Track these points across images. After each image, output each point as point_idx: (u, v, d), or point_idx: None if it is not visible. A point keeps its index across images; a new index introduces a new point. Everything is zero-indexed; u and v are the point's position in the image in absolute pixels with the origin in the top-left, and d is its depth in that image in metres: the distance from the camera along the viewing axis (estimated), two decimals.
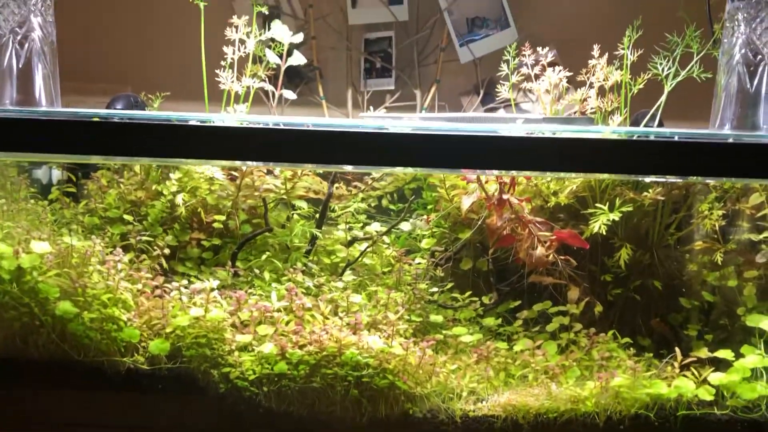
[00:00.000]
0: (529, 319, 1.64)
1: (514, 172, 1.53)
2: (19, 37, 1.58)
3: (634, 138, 1.38)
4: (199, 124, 1.38)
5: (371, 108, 2.18)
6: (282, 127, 1.37)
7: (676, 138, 1.35)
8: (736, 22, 1.57)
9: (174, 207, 1.60)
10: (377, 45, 2.26)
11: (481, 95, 2.25)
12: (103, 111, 1.72)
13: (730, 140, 1.40)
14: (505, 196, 1.51)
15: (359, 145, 1.35)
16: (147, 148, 1.37)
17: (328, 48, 2.25)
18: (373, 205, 1.79)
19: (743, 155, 1.35)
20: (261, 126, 1.38)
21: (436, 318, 1.61)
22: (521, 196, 1.57)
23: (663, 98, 1.78)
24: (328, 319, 1.51)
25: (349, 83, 2.28)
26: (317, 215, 1.68)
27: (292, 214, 1.66)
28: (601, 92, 1.79)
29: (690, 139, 1.34)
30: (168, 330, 1.47)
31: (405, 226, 1.77)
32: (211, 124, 1.39)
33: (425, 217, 1.74)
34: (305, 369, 1.45)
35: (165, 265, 1.57)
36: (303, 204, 1.65)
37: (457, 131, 1.35)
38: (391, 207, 1.81)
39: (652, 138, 1.40)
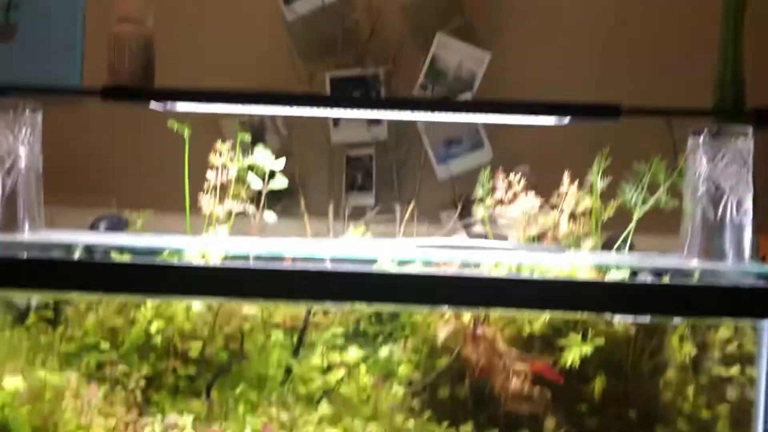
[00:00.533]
0: None
1: (490, 310, 1.55)
2: (6, 166, 1.62)
3: (609, 282, 1.43)
4: (178, 264, 1.42)
5: (351, 225, 2.22)
6: (261, 267, 1.40)
7: (647, 280, 1.40)
8: (698, 157, 1.65)
9: (150, 335, 1.61)
10: (358, 162, 2.33)
11: (458, 210, 2.30)
12: (86, 238, 1.74)
13: (699, 283, 1.45)
14: (479, 329, 1.54)
15: (340, 285, 1.39)
16: (127, 286, 1.40)
17: (310, 164, 2.32)
18: (351, 329, 1.80)
19: (711, 296, 1.39)
20: (241, 267, 1.41)
21: None
22: (495, 326, 1.59)
23: (632, 225, 1.84)
24: None
25: (331, 197, 2.34)
26: (294, 343, 1.68)
27: (269, 342, 1.67)
28: (573, 217, 1.85)
29: (658, 283, 1.39)
30: None
31: (382, 352, 1.78)
32: (192, 265, 1.42)
33: (402, 343, 1.75)
34: None
35: (139, 397, 1.56)
36: (279, 332, 1.66)
37: (436, 273, 1.40)
38: (369, 331, 1.82)
39: (624, 281, 1.44)
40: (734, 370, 1.52)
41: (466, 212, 2.32)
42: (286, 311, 1.66)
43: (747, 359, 1.50)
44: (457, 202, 2.31)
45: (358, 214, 2.32)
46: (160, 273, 1.41)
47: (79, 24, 2.27)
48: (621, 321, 1.59)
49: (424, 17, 2.21)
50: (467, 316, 1.60)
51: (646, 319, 1.56)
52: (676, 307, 1.39)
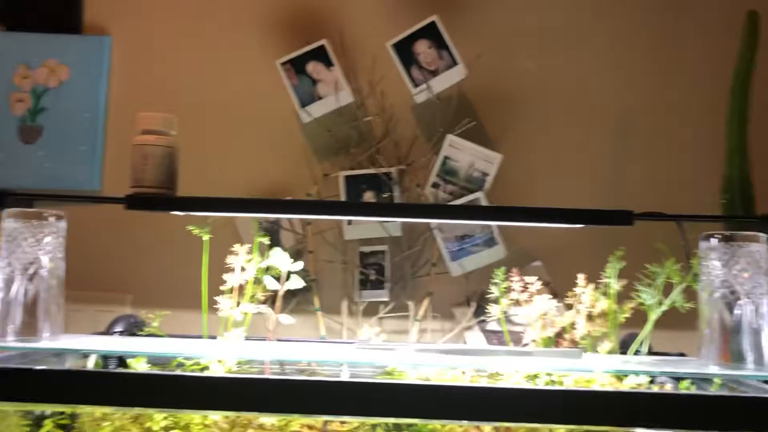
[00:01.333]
0: None
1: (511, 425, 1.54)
2: (29, 273, 1.65)
3: (628, 391, 1.42)
4: (191, 374, 1.42)
5: (365, 322, 2.23)
6: (278, 378, 1.40)
7: (668, 390, 1.39)
8: (712, 262, 1.66)
9: None
10: (372, 258, 2.35)
11: (473, 308, 2.31)
12: (102, 344, 1.76)
13: (721, 393, 1.44)
14: None
15: (357, 398, 1.38)
16: (141, 399, 1.39)
17: (324, 261, 2.34)
18: None
19: (732, 408, 1.38)
20: (258, 377, 1.41)
21: None
22: None
23: (649, 327, 1.84)
24: None
25: (345, 294, 2.35)
26: None
27: None
28: (589, 317, 1.85)
29: (677, 393, 1.38)
30: None
31: None
32: (207, 375, 1.42)
33: None
34: None
35: None
36: None
37: (453, 385, 1.39)
38: None
39: (645, 391, 1.43)
40: None
41: (480, 310, 2.33)
42: (303, 420, 1.65)
43: None
44: (470, 300, 2.32)
45: (371, 310, 2.32)
46: (175, 385, 1.41)
47: (101, 130, 2.36)
48: None
49: (435, 119, 2.28)
50: (487, 428, 1.58)
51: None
52: (699, 418, 1.38)
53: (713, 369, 1.59)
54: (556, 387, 1.43)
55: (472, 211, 1.93)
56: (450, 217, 1.75)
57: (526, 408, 1.38)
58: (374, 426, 1.80)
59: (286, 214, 1.81)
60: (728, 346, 1.64)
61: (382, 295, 2.34)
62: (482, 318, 2.24)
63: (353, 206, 1.92)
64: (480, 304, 2.28)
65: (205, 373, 1.50)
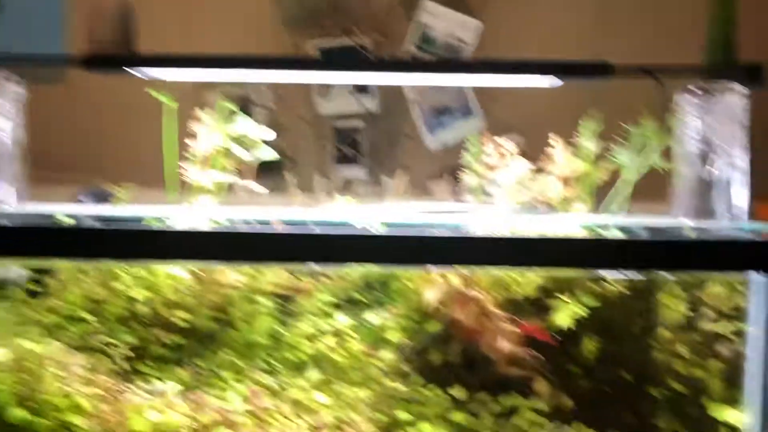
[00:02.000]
0: (500, 414, 1.62)
1: (477, 268, 1.53)
2: None
3: (596, 237, 1.40)
4: (164, 228, 1.39)
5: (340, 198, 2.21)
6: (249, 230, 1.38)
7: (640, 235, 1.38)
8: (687, 113, 1.62)
9: (134, 305, 1.59)
10: (346, 134, 2.30)
11: (449, 181, 2.28)
12: (70, 209, 1.72)
13: (689, 236, 1.42)
14: (468, 291, 1.52)
15: (325, 246, 1.37)
16: (114, 252, 1.37)
17: (297, 137, 2.29)
18: (341, 296, 1.78)
19: (700, 250, 1.37)
20: (226, 230, 1.39)
21: (404, 415, 1.57)
22: (485, 289, 1.57)
23: (626, 188, 1.81)
24: (291, 421, 1.48)
25: (319, 172, 2.32)
26: (282, 311, 1.66)
27: (257, 309, 1.65)
28: (565, 182, 1.82)
29: (652, 238, 1.37)
30: None
31: (372, 319, 1.76)
32: (176, 229, 1.40)
33: (391, 308, 1.73)
34: None
35: (124, 366, 1.54)
36: (267, 300, 1.64)
37: (423, 232, 1.37)
38: (360, 298, 1.80)
39: (614, 236, 1.42)
40: (726, 326, 1.50)
41: (456, 184, 2.30)
42: (273, 278, 1.64)
43: (739, 315, 1.48)
44: (447, 174, 2.29)
45: (347, 187, 2.30)
46: (147, 237, 1.38)
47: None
48: (612, 280, 1.57)
49: None
50: (456, 279, 1.57)
51: (636, 275, 1.54)
52: (666, 262, 1.37)
53: (685, 222, 1.58)
54: (524, 234, 1.41)
55: (447, 66, 1.86)
56: (426, 72, 1.69)
57: (498, 253, 1.37)
58: (347, 288, 1.80)
59: (257, 69, 1.73)
60: (701, 202, 1.62)
61: (358, 172, 2.31)
62: (458, 191, 2.22)
63: (329, 63, 1.85)
64: (456, 178, 2.26)
65: (177, 227, 1.47)
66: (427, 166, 2.29)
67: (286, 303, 1.65)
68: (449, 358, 1.70)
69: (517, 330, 1.53)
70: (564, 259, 1.38)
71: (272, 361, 1.60)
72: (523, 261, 1.38)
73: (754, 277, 1.41)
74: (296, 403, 1.51)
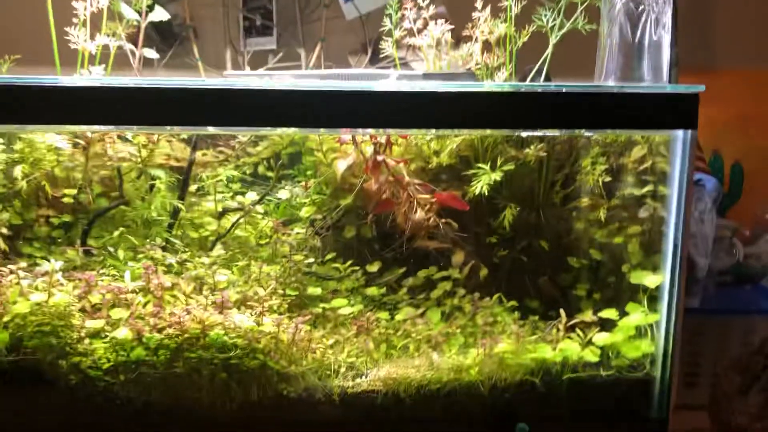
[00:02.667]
0: (415, 286, 1.56)
1: (391, 131, 1.42)
2: None
3: (513, 90, 1.30)
4: (43, 84, 1.22)
5: (248, 69, 2.03)
6: (137, 85, 1.22)
7: (561, 90, 1.28)
8: None
9: (13, 181, 1.42)
10: (257, 1, 2.10)
11: (369, 54, 2.13)
12: None
13: (614, 90, 1.34)
14: (380, 158, 1.41)
15: (221, 104, 1.23)
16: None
17: (203, 5, 2.08)
18: (248, 172, 1.65)
19: (628, 105, 1.29)
20: (112, 85, 1.23)
21: (314, 290, 1.50)
22: (400, 157, 1.47)
23: (549, 50, 1.71)
24: (191, 298, 1.38)
25: (228, 43, 2.12)
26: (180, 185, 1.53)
27: (152, 184, 1.51)
28: (487, 47, 1.71)
29: (573, 91, 1.27)
30: (6, 319, 1.30)
31: (283, 195, 1.65)
32: (57, 85, 1.23)
33: (304, 183, 1.62)
34: (166, 354, 1.32)
35: (6, 246, 1.40)
36: (162, 173, 1.50)
37: (328, 88, 1.24)
38: (269, 174, 1.68)
39: (531, 90, 1.31)
40: (647, 189, 1.45)
41: (377, 58, 2.16)
42: (170, 151, 1.49)
43: (661, 179, 1.44)
44: (367, 46, 2.14)
45: (259, 61, 2.12)
46: (34, 95, 1.22)
47: None
48: (534, 147, 1.49)
49: None
50: (368, 149, 1.47)
51: (555, 133, 1.46)
52: (588, 119, 1.29)
53: (609, 83, 1.50)
54: (437, 89, 1.30)
55: None
56: None
57: (408, 112, 1.26)
58: (255, 163, 1.67)
59: None
60: (627, 63, 1.53)
61: (270, 43, 2.14)
62: (380, 65, 2.08)
63: None
64: (377, 50, 2.11)
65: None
66: (347, 39, 2.13)
67: (187, 178, 1.51)
68: (363, 232, 1.62)
69: (433, 199, 1.45)
70: (483, 118, 1.29)
71: (173, 240, 1.48)
72: (436, 120, 1.28)
73: (676, 135, 1.35)
74: (198, 281, 1.41)
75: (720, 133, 2.41)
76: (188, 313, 1.32)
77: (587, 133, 1.45)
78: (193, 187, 1.60)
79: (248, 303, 1.39)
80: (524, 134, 1.46)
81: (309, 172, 1.65)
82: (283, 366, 1.35)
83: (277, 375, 1.35)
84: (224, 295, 1.36)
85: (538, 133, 1.43)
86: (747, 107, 2.41)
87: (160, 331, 1.32)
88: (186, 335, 1.31)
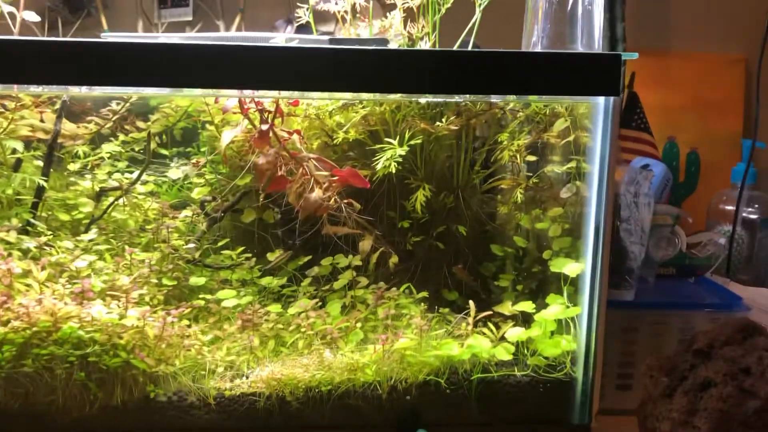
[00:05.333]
0: (321, 277, 1.40)
1: (285, 94, 1.26)
2: None
3: (432, 52, 1.14)
4: None
5: None
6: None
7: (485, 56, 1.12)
8: None
9: None
10: None
11: (294, 27, 1.97)
12: None
13: (533, 53, 1.18)
14: (265, 127, 1.24)
15: (85, 61, 1.07)
16: None
17: None
18: (138, 149, 1.48)
19: (547, 68, 1.13)
20: None
21: (197, 280, 1.33)
22: (292, 129, 1.31)
23: (476, 17, 1.55)
24: (46, 287, 1.20)
25: (140, 14, 1.95)
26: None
27: (18, 159, 1.34)
28: (407, 14, 1.55)
29: (487, 52, 1.12)
30: None
31: (174, 174, 1.48)
32: None
33: (195, 161, 1.45)
34: (11, 350, 1.15)
35: None
36: (20, 146, 1.32)
37: (206, 42, 1.08)
38: (163, 152, 1.51)
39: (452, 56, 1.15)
40: (568, 167, 1.30)
41: (303, 30, 2.00)
42: (36, 122, 1.32)
43: (584, 156, 1.28)
44: (292, 18, 1.98)
45: (174, 32, 1.96)
46: None
47: None
48: (445, 119, 1.33)
49: None
50: (258, 119, 1.30)
51: (469, 98, 1.30)
52: (512, 84, 1.13)
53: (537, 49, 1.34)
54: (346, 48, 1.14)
55: None
56: None
57: (305, 72, 1.10)
58: (144, 139, 1.50)
59: None
60: (555, 29, 1.38)
61: (185, 14, 1.98)
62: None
63: None
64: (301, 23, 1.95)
65: None
66: (271, 8, 1.97)
67: (51, 152, 1.34)
68: (266, 217, 1.45)
69: (331, 176, 1.28)
70: (396, 80, 1.12)
71: (35, 222, 1.31)
72: (336, 83, 1.12)
73: (598, 104, 1.19)
74: (57, 268, 1.24)
75: (676, 119, 2.28)
76: (39, 303, 1.15)
77: (494, 99, 1.29)
78: (75, 165, 1.43)
79: (116, 294, 1.22)
80: (433, 100, 1.29)
81: (204, 149, 1.48)
82: (150, 365, 1.18)
83: (143, 375, 1.18)
84: (84, 284, 1.19)
85: (449, 98, 1.27)
86: (705, 92, 2.27)
87: (5, 324, 1.15)
88: (34, 329, 1.14)
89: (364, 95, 1.27)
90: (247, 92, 1.22)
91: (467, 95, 1.24)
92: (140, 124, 1.48)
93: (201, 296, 1.31)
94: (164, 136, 1.51)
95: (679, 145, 2.15)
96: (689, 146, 2.17)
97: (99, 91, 1.21)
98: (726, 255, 1.73)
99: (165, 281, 1.29)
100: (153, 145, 1.47)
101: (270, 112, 1.27)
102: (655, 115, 2.16)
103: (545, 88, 1.16)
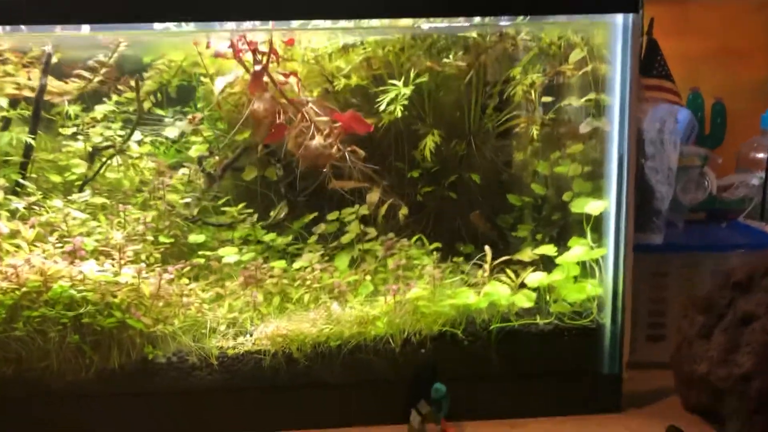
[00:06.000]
0: (327, 234, 1.32)
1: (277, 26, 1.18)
2: None
3: None
4: None
5: None
6: None
7: None
8: None
9: None
10: None
11: None
12: None
13: None
14: (258, 68, 1.17)
15: None
16: None
17: None
18: (132, 110, 1.41)
19: None
20: None
21: (196, 238, 1.26)
22: (288, 71, 1.23)
23: None
24: (35, 246, 1.14)
25: None
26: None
27: (5, 118, 1.27)
28: None
29: None
30: None
31: (171, 133, 1.41)
32: None
33: (191, 116, 1.38)
34: (0, 313, 1.09)
35: None
36: (3, 103, 1.25)
37: None
38: (160, 112, 1.44)
39: None
40: (586, 99, 1.20)
41: None
42: (21, 78, 1.25)
43: (603, 88, 1.19)
44: None
45: None
46: None
47: None
48: (454, 54, 1.25)
49: None
50: (253, 63, 1.22)
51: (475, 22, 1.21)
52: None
53: None
54: None
55: None
56: None
57: None
58: (141, 99, 1.43)
59: None
60: None
61: None
62: None
63: None
64: None
65: None
66: None
67: (38, 109, 1.27)
68: (268, 174, 1.38)
69: (331, 120, 1.21)
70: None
71: (27, 183, 1.24)
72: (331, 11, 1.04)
73: (615, 24, 1.10)
74: (48, 228, 1.17)
75: (698, 69, 2.16)
76: (27, 263, 1.09)
77: (504, 23, 1.20)
78: (68, 130, 1.36)
79: (110, 251, 1.16)
80: (440, 27, 1.20)
81: (200, 105, 1.41)
82: (148, 325, 1.11)
83: (140, 336, 1.12)
84: (76, 242, 1.12)
85: (454, 22, 1.18)
86: (728, 40, 2.16)
87: None
88: (24, 289, 1.08)
89: (364, 22, 1.18)
90: (235, 25, 1.14)
91: (475, 16, 1.14)
92: (133, 82, 1.41)
93: (201, 253, 1.24)
94: (159, 95, 1.44)
95: (703, 96, 2.04)
96: (713, 96, 2.06)
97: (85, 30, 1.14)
98: (760, 199, 1.62)
99: (162, 239, 1.22)
100: (147, 105, 1.41)
101: (264, 53, 1.19)
102: (676, 64, 2.05)
103: (558, 5, 1.07)
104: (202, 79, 1.36)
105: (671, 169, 1.33)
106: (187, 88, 1.43)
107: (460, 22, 1.17)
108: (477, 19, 1.19)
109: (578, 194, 1.22)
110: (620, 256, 1.14)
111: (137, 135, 1.37)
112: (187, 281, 1.19)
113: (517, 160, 1.37)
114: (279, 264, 1.22)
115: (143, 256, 1.17)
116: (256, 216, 1.31)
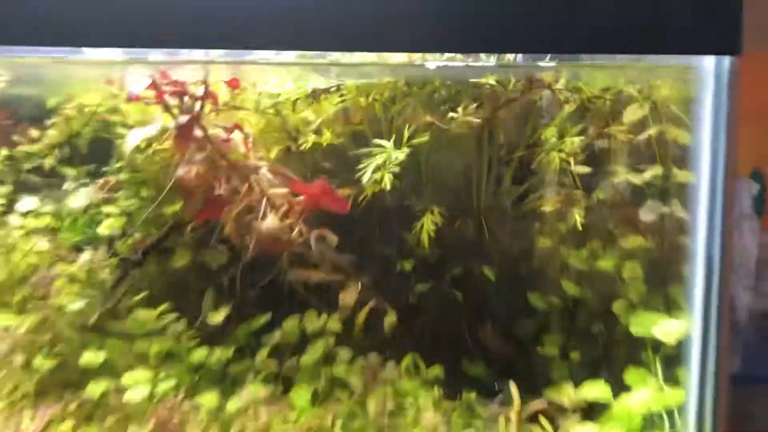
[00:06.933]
0: (282, 346, 0.95)
1: (218, 54, 0.83)
2: None
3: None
4: None
5: None
6: None
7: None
8: None
9: None
10: None
11: None
12: None
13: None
14: (183, 119, 0.81)
15: None
16: None
17: None
18: (32, 167, 1.05)
19: (628, 16, 0.71)
20: None
21: (93, 358, 0.88)
22: (230, 123, 0.88)
23: None
24: None
25: None
26: None
27: None
28: None
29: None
30: None
31: (77, 202, 1.04)
32: None
33: (103, 180, 1.02)
34: None
35: None
36: None
37: None
38: (69, 171, 1.07)
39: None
40: (651, 174, 0.86)
41: None
42: None
43: (674, 157, 0.85)
44: None
45: None
46: None
47: None
48: (462, 111, 0.91)
49: None
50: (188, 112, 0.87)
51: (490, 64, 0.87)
52: (559, 37, 0.71)
53: None
54: None
55: None
56: None
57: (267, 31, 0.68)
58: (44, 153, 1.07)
59: None
60: None
61: None
62: None
63: None
64: None
65: None
66: None
67: None
68: (207, 259, 1.02)
69: (291, 192, 0.85)
70: (398, 31, 0.70)
71: None
72: (320, 36, 0.70)
73: (703, 69, 0.77)
74: None
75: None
76: None
77: (543, 63, 0.86)
78: None
79: None
80: (449, 64, 0.86)
81: (119, 164, 1.05)
82: None
83: None
84: None
85: (475, 62, 0.83)
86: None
87: None
88: None
89: (349, 56, 0.84)
90: (162, 55, 0.80)
91: (508, 53, 0.79)
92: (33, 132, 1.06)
93: (94, 382, 0.86)
94: (66, 149, 1.08)
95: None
96: (750, 165, 1.76)
97: None
98: None
99: (39, 361, 0.84)
100: (50, 162, 1.04)
101: (196, 97, 0.84)
102: None
103: (626, 46, 0.73)
104: (119, 129, 1.01)
105: (751, 267, 0.99)
106: (102, 142, 1.07)
107: (480, 61, 0.83)
108: (495, 58, 0.85)
109: (637, 306, 0.87)
110: (706, 402, 0.78)
111: (28, 202, 1.00)
112: (69, 426, 0.80)
113: (540, 248, 1.02)
114: (208, 401, 0.84)
115: (4, 391, 0.79)
116: (183, 322, 0.93)
